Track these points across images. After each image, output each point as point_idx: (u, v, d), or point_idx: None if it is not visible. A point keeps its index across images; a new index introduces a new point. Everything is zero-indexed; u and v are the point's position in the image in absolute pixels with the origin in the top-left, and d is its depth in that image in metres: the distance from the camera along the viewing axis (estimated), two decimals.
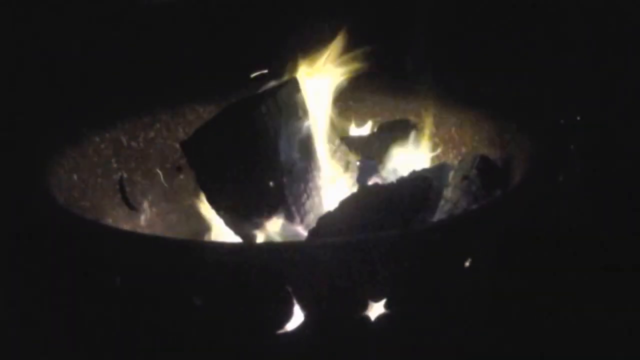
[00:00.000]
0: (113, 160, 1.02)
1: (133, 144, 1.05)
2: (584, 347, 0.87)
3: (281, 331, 0.74)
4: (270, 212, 0.90)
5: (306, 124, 0.96)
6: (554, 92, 1.16)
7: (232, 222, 0.92)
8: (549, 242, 1.00)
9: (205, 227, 1.01)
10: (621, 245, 1.02)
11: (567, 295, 0.94)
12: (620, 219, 1.07)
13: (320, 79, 0.96)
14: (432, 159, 1.03)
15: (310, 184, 0.95)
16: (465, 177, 0.93)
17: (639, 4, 1.20)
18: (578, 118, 1.07)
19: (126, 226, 1.00)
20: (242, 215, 0.90)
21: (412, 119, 1.05)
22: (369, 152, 1.02)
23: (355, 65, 0.96)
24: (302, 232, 0.92)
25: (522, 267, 0.94)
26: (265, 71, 1.00)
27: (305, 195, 0.94)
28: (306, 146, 0.96)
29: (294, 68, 0.95)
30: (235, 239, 0.94)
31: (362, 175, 1.00)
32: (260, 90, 0.95)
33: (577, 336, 0.89)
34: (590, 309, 0.92)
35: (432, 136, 1.04)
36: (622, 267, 0.98)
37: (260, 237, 0.92)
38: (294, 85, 0.95)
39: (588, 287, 0.96)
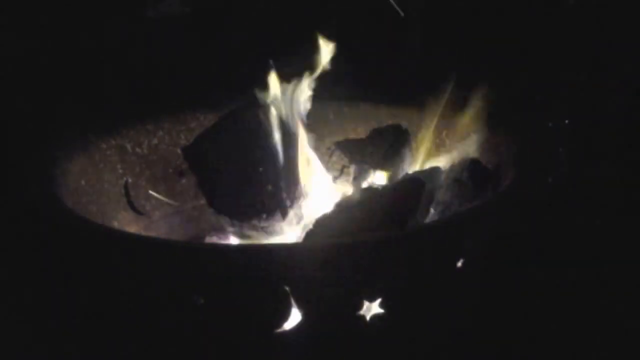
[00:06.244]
0: (118, 166, 1.03)
1: (137, 150, 1.05)
2: (577, 346, 0.87)
3: (279, 330, 0.75)
4: (268, 215, 0.91)
5: (303, 129, 0.97)
6: (542, 96, 1.17)
7: (232, 224, 0.93)
8: (539, 242, 1.02)
9: (206, 229, 1.03)
10: (612, 244, 1.02)
11: (558, 294, 0.94)
12: (610, 218, 1.08)
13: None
14: (424, 162, 1.03)
15: (307, 187, 0.96)
16: (456, 180, 0.93)
17: (622, 7, 1.20)
18: (566, 121, 1.09)
19: (131, 229, 1.00)
20: (241, 217, 0.92)
21: (404, 123, 1.05)
22: (363, 156, 1.02)
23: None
24: (299, 233, 0.93)
25: (513, 267, 0.96)
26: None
27: (302, 198, 0.95)
28: (303, 150, 0.97)
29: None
30: (235, 240, 0.96)
31: (357, 179, 1.01)
32: (258, 98, 0.97)
33: (569, 335, 0.88)
34: (582, 308, 0.92)
35: (424, 140, 1.04)
36: (615, 266, 0.98)
37: (258, 239, 0.93)
38: (291, 91, 0.98)
39: (579, 285, 0.95)
